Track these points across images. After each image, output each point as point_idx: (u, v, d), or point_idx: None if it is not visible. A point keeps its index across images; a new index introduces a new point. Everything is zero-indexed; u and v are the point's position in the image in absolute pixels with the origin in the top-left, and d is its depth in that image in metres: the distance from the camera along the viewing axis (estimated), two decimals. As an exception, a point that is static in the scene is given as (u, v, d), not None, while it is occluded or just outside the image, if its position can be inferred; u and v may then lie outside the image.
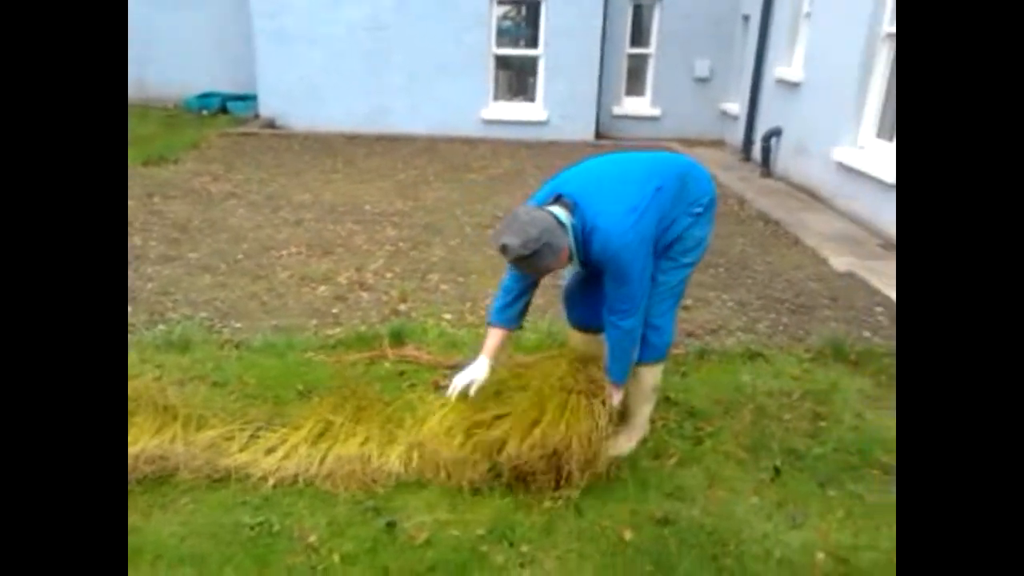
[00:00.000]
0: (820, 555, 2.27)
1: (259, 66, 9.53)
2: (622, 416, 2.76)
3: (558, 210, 2.35)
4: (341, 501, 2.45)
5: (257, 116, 9.81)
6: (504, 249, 2.29)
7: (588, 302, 2.72)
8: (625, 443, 2.73)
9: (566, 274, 2.82)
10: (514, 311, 2.65)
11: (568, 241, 2.34)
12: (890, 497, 2.55)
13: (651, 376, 2.71)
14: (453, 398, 2.66)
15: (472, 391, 2.63)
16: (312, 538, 2.28)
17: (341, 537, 2.30)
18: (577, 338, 2.89)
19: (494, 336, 2.66)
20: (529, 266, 2.35)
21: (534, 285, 2.65)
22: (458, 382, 2.64)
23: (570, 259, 2.41)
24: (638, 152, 2.68)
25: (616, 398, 2.61)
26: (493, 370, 2.67)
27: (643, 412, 2.78)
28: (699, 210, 2.54)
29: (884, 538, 2.35)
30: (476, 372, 2.63)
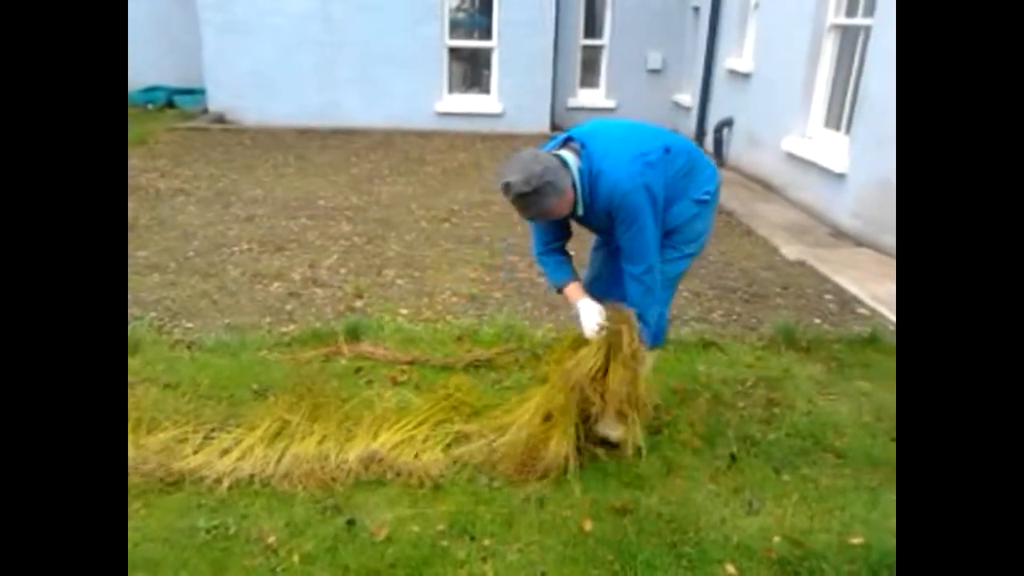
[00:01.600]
0: (776, 539, 2.31)
1: (206, 59, 9.30)
2: None
3: (565, 152, 2.32)
4: (299, 501, 2.42)
5: (206, 110, 9.58)
6: (507, 188, 2.25)
7: (609, 283, 2.70)
8: (613, 432, 2.74)
9: (584, 272, 2.85)
10: (569, 267, 2.64)
11: (573, 181, 2.30)
12: (842, 480, 2.61)
13: (647, 362, 2.71)
14: (596, 335, 2.52)
15: (603, 320, 2.52)
16: (270, 539, 2.25)
17: (300, 537, 2.26)
18: None
19: (575, 288, 2.61)
20: (532, 205, 2.29)
21: (564, 247, 2.63)
22: (590, 325, 2.52)
23: (575, 207, 2.37)
24: (647, 124, 2.67)
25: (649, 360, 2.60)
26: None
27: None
28: (705, 197, 2.53)
29: (837, 520, 2.40)
30: (594, 311, 2.53)
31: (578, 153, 2.33)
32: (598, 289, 2.75)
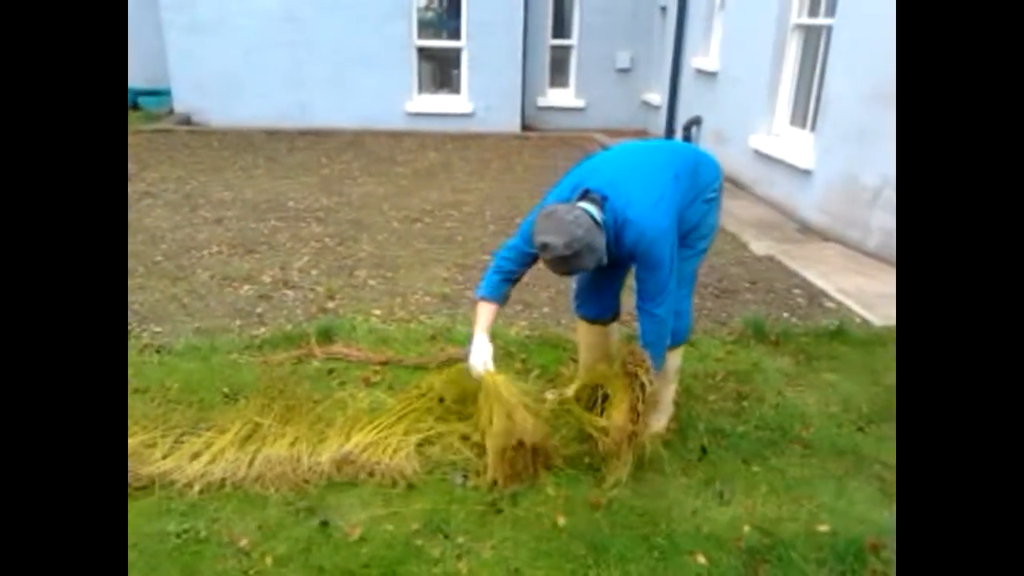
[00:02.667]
0: (746, 528, 2.35)
1: (171, 59, 9.18)
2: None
3: (589, 206, 2.33)
4: (272, 503, 2.41)
5: (171, 112, 9.45)
6: (545, 247, 2.26)
7: (600, 296, 2.80)
8: (655, 424, 2.79)
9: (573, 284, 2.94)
10: (507, 289, 2.65)
11: (603, 240, 2.34)
12: (809, 470, 2.66)
13: (674, 360, 2.79)
14: (480, 378, 2.62)
15: (490, 366, 2.60)
16: (243, 542, 2.23)
17: (273, 539, 2.25)
18: (585, 329, 2.95)
19: (488, 311, 2.64)
20: (565, 265, 2.32)
21: (523, 273, 2.66)
22: (476, 366, 2.60)
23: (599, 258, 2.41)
24: (648, 141, 2.75)
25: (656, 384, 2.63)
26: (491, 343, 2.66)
27: (668, 393, 2.85)
28: (712, 195, 2.61)
29: (804, 510, 2.45)
30: (484, 352, 2.60)
31: (600, 205, 2.34)
32: (589, 307, 2.86)
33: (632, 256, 2.43)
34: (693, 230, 2.58)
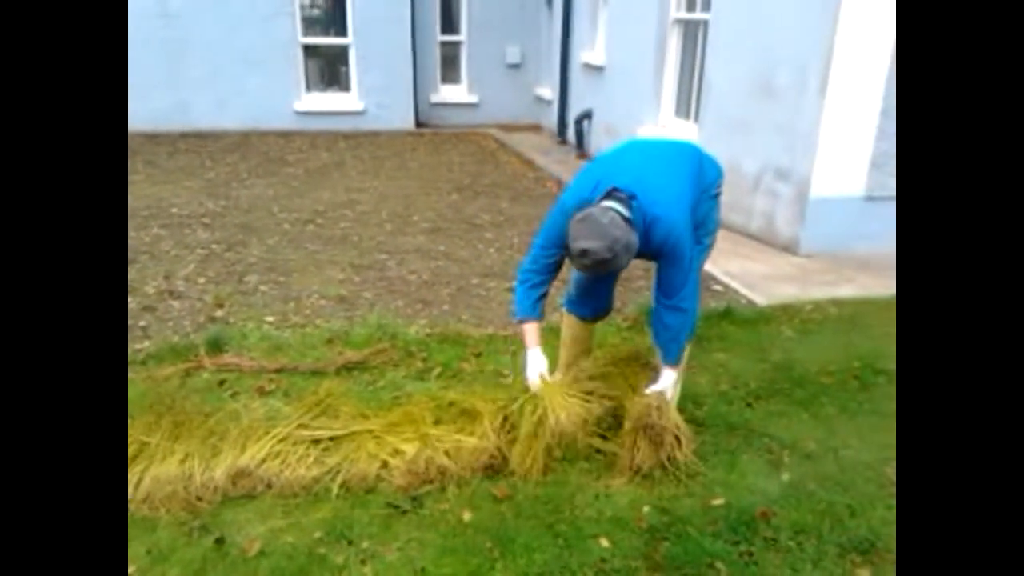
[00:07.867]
0: (646, 508, 2.42)
1: (34, 61, 8.58)
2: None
3: (617, 205, 2.31)
4: (162, 524, 2.29)
5: (37, 116, 8.85)
6: (585, 253, 2.23)
7: (598, 295, 2.89)
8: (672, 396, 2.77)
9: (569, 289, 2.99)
10: (541, 306, 2.67)
11: (636, 239, 2.32)
12: (703, 447, 2.76)
13: (687, 350, 2.83)
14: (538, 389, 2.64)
15: (547, 377, 2.66)
16: (131, 569, 2.12)
17: (164, 563, 2.15)
18: (576, 324, 3.02)
19: (532, 329, 2.67)
20: (604, 267, 2.30)
21: (551, 281, 2.67)
22: (534, 380, 2.65)
23: None
24: (656, 139, 2.81)
25: (671, 378, 2.67)
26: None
27: (680, 375, 2.86)
28: (717, 191, 2.68)
29: (699, 485, 2.54)
30: (540, 365, 2.65)
31: (628, 204, 2.33)
32: (586, 307, 2.94)
33: (658, 253, 2.46)
34: (701, 226, 2.64)
